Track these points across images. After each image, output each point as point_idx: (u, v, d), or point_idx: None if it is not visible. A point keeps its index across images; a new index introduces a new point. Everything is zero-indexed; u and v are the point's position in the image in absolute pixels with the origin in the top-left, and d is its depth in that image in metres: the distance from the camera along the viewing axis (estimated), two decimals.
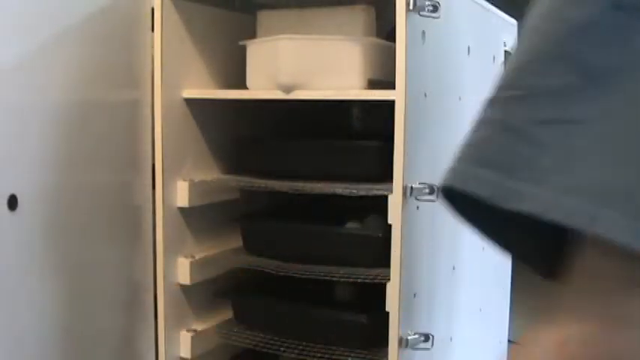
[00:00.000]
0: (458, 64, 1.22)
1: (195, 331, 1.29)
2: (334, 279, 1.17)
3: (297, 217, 1.32)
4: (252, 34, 1.29)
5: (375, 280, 1.11)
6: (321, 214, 1.34)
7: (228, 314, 1.36)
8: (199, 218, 1.32)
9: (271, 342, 1.25)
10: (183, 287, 1.28)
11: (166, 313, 1.25)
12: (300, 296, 1.28)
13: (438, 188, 1.08)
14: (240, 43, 1.24)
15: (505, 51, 1.48)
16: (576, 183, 0.41)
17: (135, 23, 1.20)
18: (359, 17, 1.23)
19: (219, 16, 1.34)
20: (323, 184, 1.18)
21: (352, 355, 1.18)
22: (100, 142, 1.14)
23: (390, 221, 1.04)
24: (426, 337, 1.08)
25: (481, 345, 1.49)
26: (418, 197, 1.05)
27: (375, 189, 1.11)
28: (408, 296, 1.06)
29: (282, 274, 1.20)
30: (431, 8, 1.03)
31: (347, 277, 1.15)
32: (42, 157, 1.04)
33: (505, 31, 1.49)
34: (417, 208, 1.07)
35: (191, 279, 1.26)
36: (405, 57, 1.01)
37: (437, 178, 1.09)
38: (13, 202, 0.99)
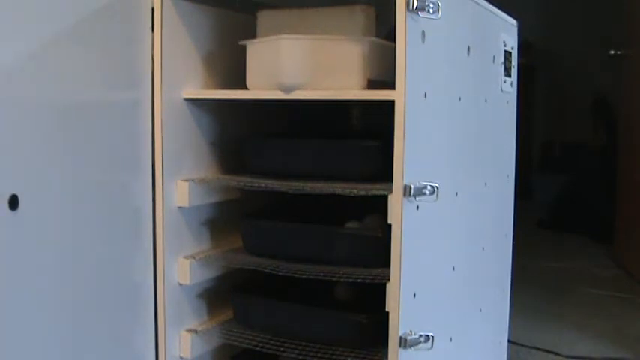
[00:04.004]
0: (458, 64, 1.22)
1: (195, 331, 1.29)
2: (334, 279, 1.17)
3: (297, 217, 1.32)
4: (252, 34, 1.29)
5: (375, 280, 1.11)
6: (321, 214, 1.34)
7: (228, 314, 1.36)
8: (199, 218, 1.32)
9: (271, 342, 1.25)
10: (183, 287, 1.28)
11: (166, 313, 1.25)
12: (300, 296, 1.29)
13: (437, 188, 1.08)
14: (240, 43, 1.24)
15: (505, 51, 1.48)
16: None
17: (135, 23, 1.20)
18: (359, 17, 1.23)
19: (219, 16, 1.34)
20: (323, 184, 1.18)
21: (352, 355, 1.18)
22: (100, 142, 1.14)
23: (390, 221, 1.04)
24: (426, 337, 1.08)
25: (481, 345, 1.49)
26: (418, 197, 1.05)
27: (374, 189, 1.11)
28: (408, 296, 1.06)
29: (282, 274, 1.20)
30: (431, 8, 1.03)
31: (347, 277, 1.15)
32: (42, 157, 1.03)
33: (505, 31, 1.49)
34: (417, 208, 1.07)
35: (191, 279, 1.26)
36: (405, 57, 1.01)
37: (437, 178, 1.10)
38: (13, 202, 0.99)
